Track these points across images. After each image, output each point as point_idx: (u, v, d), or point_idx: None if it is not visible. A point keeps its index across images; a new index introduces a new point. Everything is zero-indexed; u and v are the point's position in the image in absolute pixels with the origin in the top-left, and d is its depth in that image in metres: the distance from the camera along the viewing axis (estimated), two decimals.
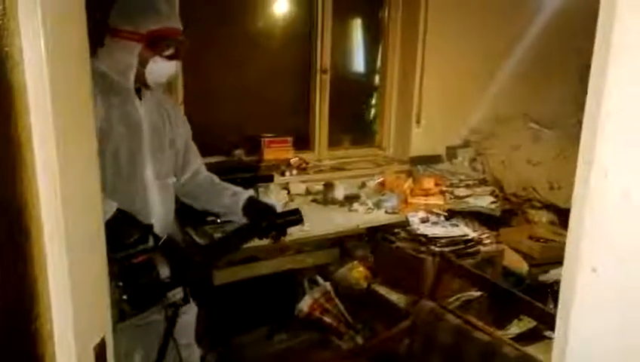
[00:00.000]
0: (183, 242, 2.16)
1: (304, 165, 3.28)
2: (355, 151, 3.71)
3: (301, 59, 3.47)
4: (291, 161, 3.22)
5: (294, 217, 1.73)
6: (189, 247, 1.73)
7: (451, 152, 3.77)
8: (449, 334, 1.85)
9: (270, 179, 2.89)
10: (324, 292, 2.90)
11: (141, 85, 1.60)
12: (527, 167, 3.76)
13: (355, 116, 3.88)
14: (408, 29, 3.61)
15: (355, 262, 2.96)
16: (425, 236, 2.71)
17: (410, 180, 3.32)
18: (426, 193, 3.20)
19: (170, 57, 1.56)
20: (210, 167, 2.01)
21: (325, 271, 3.01)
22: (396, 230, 2.88)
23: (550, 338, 2.99)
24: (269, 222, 1.70)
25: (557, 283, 3.19)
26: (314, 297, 2.89)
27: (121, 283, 1.34)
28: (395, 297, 2.74)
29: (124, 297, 1.34)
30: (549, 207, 3.72)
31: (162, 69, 1.56)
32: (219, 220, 2.40)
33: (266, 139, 3.22)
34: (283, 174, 3.15)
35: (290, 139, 3.28)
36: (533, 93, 3.93)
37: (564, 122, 4.09)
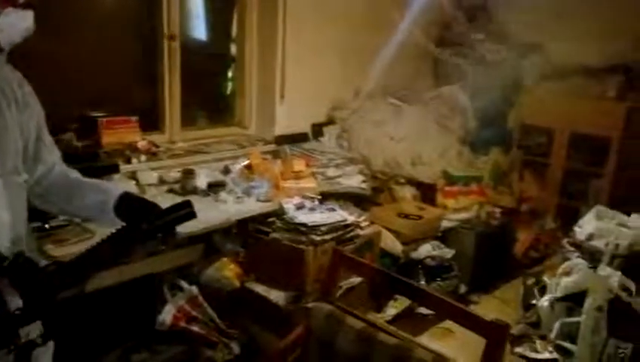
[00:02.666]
0: (40, 259, 1.66)
1: (154, 149, 2.78)
2: (213, 131, 3.29)
3: (143, 23, 2.94)
4: (139, 144, 2.70)
5: (184, 211, 1.34)
6: (49, 266, 1.25)
7: (317, 130, 3.56)
8: (352, 342, 1.60)
9: (114, 168, 2.36)
10: (190, 298, 2.49)
11: None
12: (391, 144, 3.72)
13: (210, 91, 3.45)
14: None
15: (225, 259, 2.60)
16: (304, 225, 2.45)
17: (279, 162, 3.03)
18: (298, 176, 2.95)
19: (25, 6, 1.27)
20: None
21: (189, 272, 2.59)
22: (270, 219, 2.58)
23: (424, 315, 3.01)
24: (152, 221, 1.32)
25: (426, 258, 3.21)
26: (177, 305, 2.46)
27: None
28: (273, 295, 2.45)
29: None
30: (411, 182, 3.73)
31: (17, 22, 1.27)
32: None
33: (105, 120, 2.65)
34: (129, 161, 2.62)
35: (135, 118, 2.76)
36: (392, 69, 3.89)
37: (422, 97, 4.15)
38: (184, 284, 2.51)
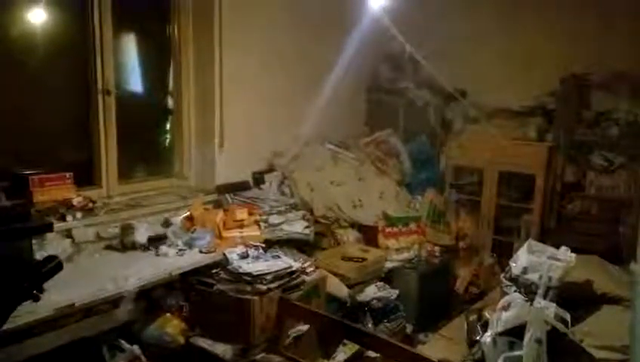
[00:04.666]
0: None
1: (91, 205, 2.69)
2: (151, 184, 3.22)
3: (76, 77, 2.89)
4: (74, 201, 2.60)
5: (51, 265, 1.45)
6: None
7: (258, 177, 3.58)
8: None
9: (48, 228, 2.25)
10: (132, 358, 2.37)
11: None
12: (331, 188, 3.79)
13: (148, 143, 3.40)
14: (202, 48, 3.31)
15: (168, 315, 2.51)
16: (249, 274, 2.42)
17: (220, 212, 3.00)
18: (241, 224, 2.93)
19: None
20: None
21: (130, 331, 2.47)
22: (214, 271, 2.54)
23: (374, 358, 3.00)
24: (18, 282, 1.37)
25: (372, 300, 3.24)
26: None
27: None
28: (220, 349, 2.38)
29: None
30: (353, 225, 3.79)
31: None
32: None
33: (37, 177, 2.55)
34: (64, 219, 2.52)
35: (69, 174, 2.66)
36: (328, 115, 4.01)
37: (357, 142, 4.29)
38: (125, 344, 2.39)
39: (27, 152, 2.67)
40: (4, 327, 1.41)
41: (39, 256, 2.14)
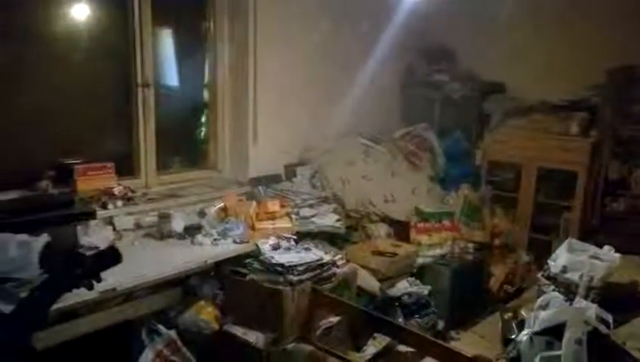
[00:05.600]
0: None
1: (130, 194, 2.78)
2: (187, 175, 3.30)
3: (117, 71, 2.98)
4: (114, 190, 2.69)
5: (108, 256, 1.48)
6: None
7: (290, 171, 3.61)
8: None
9: (91, 215, 2.34)
10: (169, 343, 2.43)
11: None
12: (363, 182, 3.78)
13: (184, 136, 3.48)
14: (238, 43, 3.35)
15: (202, 302, 2.56)
16: (281, 265, 2.45)
17: (253, 203, 3.04)
18: (273, 216, 2.96)
19: None
20: (4, 207, 1.62)
21: (166, 317, 2.54)
22: (247, 261, 2.57)
23: (404, 353, 2.99)
24: (77, 269, 1.41)
25: (403, 295, 3.22)
26: (156, 350, 2.40)
27: None
28: (252, 337, 2.41)
29: None
30: (385, 220, 3.78)
31: None
32: None
33: (80, 167, 2.65)
34: (105, 207, 2.62)
35: (110, 164, 2.77)
36: (362, 109, 4.01)
37: (391, 136, 4.26)
38: (162, 329, 2.46)
39: (72, 143, 2.77)
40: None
41: (84, 242, 2.25)
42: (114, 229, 2.56)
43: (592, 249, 2.70)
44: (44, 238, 1.50)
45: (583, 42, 3.86)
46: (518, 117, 4.11)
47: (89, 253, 1.54)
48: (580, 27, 3.88)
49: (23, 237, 1.53)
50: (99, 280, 1.47)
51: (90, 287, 1.47)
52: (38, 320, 1.37)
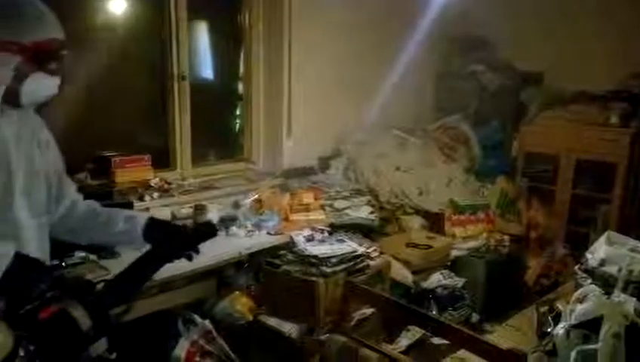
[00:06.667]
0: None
1: (166, 186, 2.84)
2: (222, 167, 3.35)
3: (154, 64, 3.03)
4: (151, 182, 2.76)
5: (207, 231, 1.56)
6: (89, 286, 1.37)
7: (324, 163, 3.62)
8: None
9: (129, 206, 2.40)
10: (204, 332, 2.49)
11: (7, 104, 1.31)
12: (397, 174, 3.75)
13: (219, 128, 3.53)
14: (272, 36, 3.37)
15: (237, 293, 2.60)
16: (315, 257, 2.47)
17: (287, 195, 3.07)
18: (307, 208, 2.99)
19: (52, 72, 1.32)
20: None
21: (202, 307, 2.60)
22: (281, 252, 2.60)
23: (437, 345, 2.98)
24: (178, 241, 1.50)
25: (437, 288, 3.20)
26: (191, 339, 2.46)
27: (32, 347, 1.07)
28: (286, 327, 2.44)
29: None
30: (419, 212, 3.75)
31: (43, 86, 1.32)
32: None
33: (118, 159, 2.72)
34: (142, 198, 2.69)
35: (147, 156, 2.83)
36: (395, 101, 3.97)
37: (425, 128, 4.22)
38: (197, 319, 2.52)
39: (109, 135, 2.85)
40: None
41: None
42: None
43: (632, 242, 2.62)
44: (148, 214, 1.62)
45: (623, 31, 3.72)
46: (556, 107, 4.01)
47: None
48: (620, 15, 3.74)
49: (130, 212, 1.64)
50: (198, 252, 1.53)
51: (190, 258, 1.52)
52: (135, 289, 1.44)
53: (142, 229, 1.51)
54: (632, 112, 3.76)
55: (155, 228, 1.52)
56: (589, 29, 3.88)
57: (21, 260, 1.21)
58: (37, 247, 1.40)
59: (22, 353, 1.05)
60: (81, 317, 1.16)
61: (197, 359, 2.43)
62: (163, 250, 1.44)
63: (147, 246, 1.45)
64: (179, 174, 3.08)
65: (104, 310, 1.25)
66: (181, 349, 2.41)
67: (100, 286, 1.30)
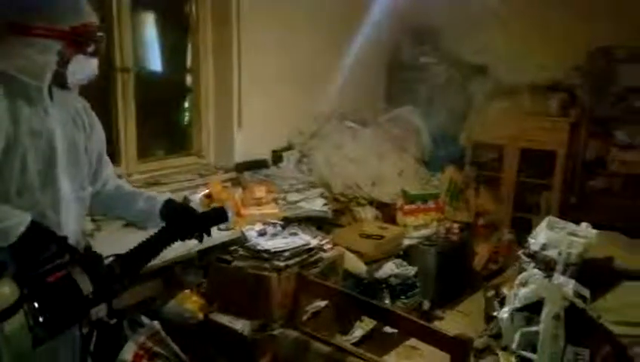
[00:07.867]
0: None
1: None
2: (171, 162, 3.26)
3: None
4: None
5: (219, 215, 1.67)
6: (110, 258, 1.51)
7: (276, 156, 3.58)
8: None
9: None
10: (152, 334, 2.41)
11: (55, 86, 1.48)
12: (350, 166, 3.77)
13: (166, 122, 3.43)
14: (221, 26, 3.29)
15: (187, 291, 2.54)
16: (267, 251, 2.45)
17: (239, 190, 3.03)
18: (259, 202, 2.95)
19: (92, 54, 1.49)
20: None
21: (150, 307, 2.53)
22: (232, 248, 2.56)
23: (390, 334, 3.03)
24: (191, 221, 1.64)
25: (390, 277, 3.25)
26: (138, 342, 2.37)
27: (36, 305, 1.26)
28: (239, 325, 2.41)
29: (40, 320, 1.25)
30: (372, 203, 3.78)
31: (85, 67, 1.49)
32: None
33: None
34: None
35: None
36: (347, 92, 3.99)
37: (377, 119, 4.25)
38: (145, 320, 2.44)
39: None
40: None
41: None
42: (92, 220, 2.51)
43: (570, 226, 2.75)
44: (166, 195, 1.75)
45: (563, 25, 3.88)
46: (501, 98, 4.14)
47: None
48: (560, 10, 3.90)
49: (152, 193, 1.80)
50: (209, 234, 1.66)
51: (201, 239, 1.65)
52: (146, 261, 1.55)
53: (159, 209, 1.65)
54: (571, 102, 3.94)
55: (171, 208, 1.66)
56: (530, 24, 4.01)
57: (36, 229, 1.33)
58: (74, 218, 1.55)
59: (25, 307, 1.23)
60: (83, 281, 1.31)
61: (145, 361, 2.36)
62: (176, 228, 1.57)
63: (162, 225, 1.59)
64: (124, 169, 2.97)
65: (115, 278, 1.40)
66: (127, 352, 2.32)
67: (109, 259, 1.42)
